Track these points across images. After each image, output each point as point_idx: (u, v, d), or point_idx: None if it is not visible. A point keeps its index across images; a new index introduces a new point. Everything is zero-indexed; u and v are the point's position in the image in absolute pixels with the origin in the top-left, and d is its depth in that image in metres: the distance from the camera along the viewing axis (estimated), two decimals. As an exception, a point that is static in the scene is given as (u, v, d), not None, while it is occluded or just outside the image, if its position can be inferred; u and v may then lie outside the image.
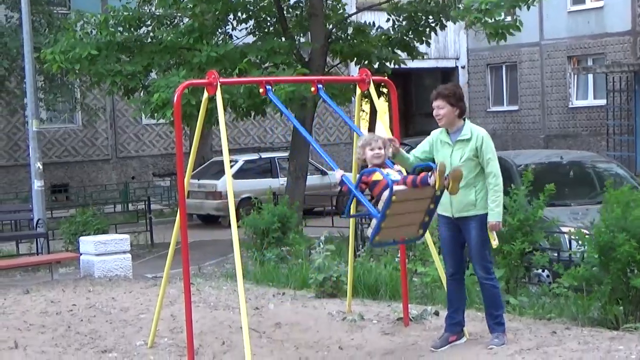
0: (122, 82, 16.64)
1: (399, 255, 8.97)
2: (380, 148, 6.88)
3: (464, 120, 7.29)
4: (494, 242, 7.18)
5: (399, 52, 18.83)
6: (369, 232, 6.77)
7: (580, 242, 8.61)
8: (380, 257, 11.35)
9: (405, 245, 8.45)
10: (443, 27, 18.53)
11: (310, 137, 8.13)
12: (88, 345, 8.11)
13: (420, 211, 6.85)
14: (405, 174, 6.87)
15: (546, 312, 8.56)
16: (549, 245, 9.63)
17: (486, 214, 7.12)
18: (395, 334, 7.98)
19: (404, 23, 18.45)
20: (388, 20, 18.77)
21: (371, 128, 34.49)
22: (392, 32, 18.57)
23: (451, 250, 7.40)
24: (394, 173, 6.79)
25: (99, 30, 16.46)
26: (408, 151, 7.61)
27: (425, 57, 20.04)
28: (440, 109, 7.19)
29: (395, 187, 6.48)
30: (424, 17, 18.17)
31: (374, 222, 6.69)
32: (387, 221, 6.59)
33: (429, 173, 6.56)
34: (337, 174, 6.97)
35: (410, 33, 18.44)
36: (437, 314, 8.43)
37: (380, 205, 6.55)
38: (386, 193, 6.49)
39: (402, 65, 19.40)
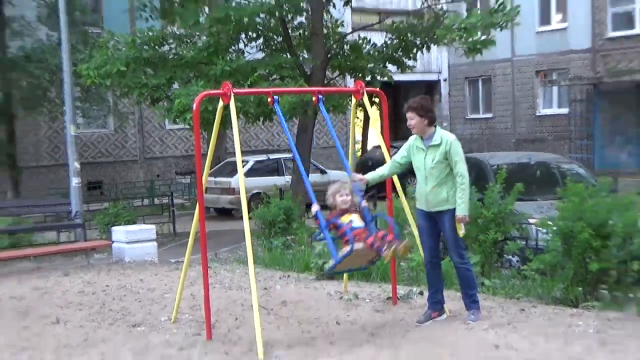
0: (148, 93, 16.66)
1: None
2: (347, 195, 7.01)
3: (435, 127, 7.32)
4: (461, 232, 7.22)
5: (390, 65, 18.86)
6: (327, 266, 7.07)
7: (545, 231, 8.64)
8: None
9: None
10: (429, 48, 18.53)
11: (294, 150, 8.01)
12: (120, 320, 8.14)
13: (371, 256, 6.95)
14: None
15: (516, 292, 8.60)
16: (519, 235, 9.64)
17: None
18: (385, 311, 8.02)
19: (395, 42, 18.47)
20: (381, 42, 18.76)
21: (365, 133, 34.63)
22: (384, 49, 18.59)
23: (427, 239, 7.45)
24: (357, 220, 6.87)
25: (128, 48, 16.49)
26: (394, 153, 7.64)
27: (412, 70, 20.07)
28: (411, 119, 7.25)
29: (355, 245, 6.56)
30: (412, 38, 18.19)
31: (332, 262, 6.88)
32: (342, 264, 6.81)
33: (385, 247, 6.61)
34: (313, 208, 6.96)
35: (400, 50, 18.46)
36: (421, 293, 8.46)
37: (341, 253, 6.67)
38: (347, 249, 6.60)
39: (391, 80, 19.41)
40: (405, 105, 7.38)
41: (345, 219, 6.87)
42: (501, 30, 15.78)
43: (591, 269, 7.90)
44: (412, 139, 7.43)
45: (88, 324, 7.98)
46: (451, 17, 15.49)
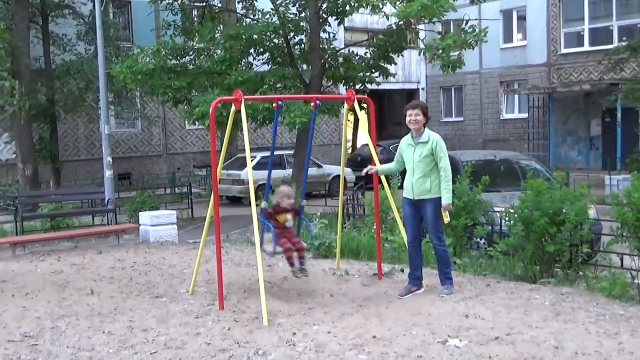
0: (171, 93, 16.60)
1: (374, 227, 8.96)
2: (291, 200, 7.56)
3: (425, 128, 7.31)
4: (446, 219, 7.20)
5: (375, 73, 18.93)
6: (269, 250, 7.42)
7: (508, 218, 8.62)
8: (361, 229, 11.34)
9: (379, 219, 8.51)
10: (402, 49, 18.62)
11: (272, 155, 8.67)
12: (145, 292, 8.09)
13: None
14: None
15: (483, 270, 8.57)
16: (485, 221, 9.61)
17: (439, 198, 7.16)
18: (372, 285, 7.99)
19: (377, 52, 18.55)
20: (366, 53, 18.89)
21: (355, 133, 34.56)
22: (369, 57, 18.67)
23: (411, 223, 7.40)
24: (290, 220, 7.54)
25: (154, 56, 16.43)
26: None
27: (394, 76, 20.27)
28: (417, 116, 7.25)
29: (277, 248, 7.33)
30: (390, 48, 18.30)
31: (270, 247, 7.43)
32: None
33: (292, 262, 7.44)
34: (262, 204, 7.45)
35: (381, 59, 18.53)
36: (402, 270, 8.43)
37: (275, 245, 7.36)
38: (277, 249, 7.37)
39: (378, 85, 19.54)
40: (415, 102, 7.50)
41: (281, 218, 7.46)
42: (472, 49, 15.85)
43: (548, 250, 7.88)
44: (403, 138, 7.46)
45: (118, 295, 7.93)
46: (430, 40, 15.61)
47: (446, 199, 7.11)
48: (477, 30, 15.66)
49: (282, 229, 7.48)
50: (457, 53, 15.75)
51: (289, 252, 7.41)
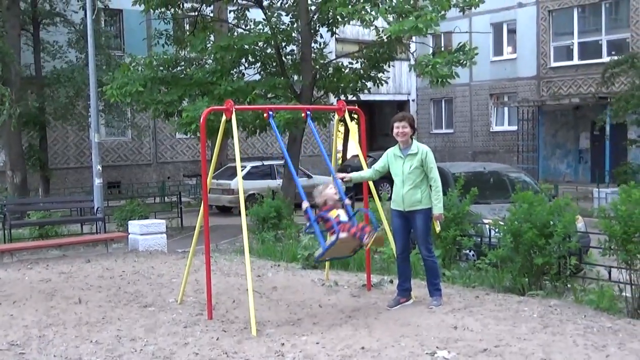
0: (162, 108, 16.59)
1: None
2: (335, 193, 6.99)
3: (413, 139, 7.34)
4: (438, 229, 7.24)
5: (366, 83, 19.01)
6: (316, 253, 6.95)
7: (497, 230, 8.64)
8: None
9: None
10: (392, 59, 18.69)
11: (290, 162, 8.17)
12: (133, 301, 8.06)
13: (354, 244, 6.88)
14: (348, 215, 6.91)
15: (471, 281, 8.58)
16: (474, 233, 9.64)
17: (429, 208, 7.19)
18: (361, 296, 7.98)
19: (367, 63, 18.63)
20: (356, 63, 18.97)
21: (345, 144, 34.61)
22: (360, 67, 18.73)
23: (400, 235, 7.41)
24: (342, 214, 6.85)
25: (146, 68, 16.42)
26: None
27: (385, 85, 20.34)
28: (405, 128, 7.26)
29: (341, 235, 6.53)
30: (380, 58, 18.38)
31: (320, 250, 6.83)
32: (329, 251, 6.76)
33: (366, 234, 6.60)
34: (303, 205, 6.89)
35: (372, 70, 18.61)
36: (391, 282, 8.43)
37: (329, 241, 6.63)
38: (333, 237, 6.57)
39: (369, 92, 19.59)
40: (402, 114, 7.47)
41: (333, 214, 6.81)
42: (462, 67, 15.96)
43: (536, 263, 7.90)
44: (390, 150, 7.45)
45: (106, 304, 7.90)
46: (421, 57, 15.73)
47: (438, 209, 7.14)
48: (467, 47, 15.77)
49: (339, 224, 6.71)
50: (445, 68, 15.84)
51: (363, 228, 6.67)
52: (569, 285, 8.10)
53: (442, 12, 14.82)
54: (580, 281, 8.31)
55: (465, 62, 15.47)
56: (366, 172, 7.65)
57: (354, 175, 7.65)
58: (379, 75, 18.76)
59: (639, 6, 25.49)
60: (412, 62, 16.92)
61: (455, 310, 7.06)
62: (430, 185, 7.18)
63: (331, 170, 7.81)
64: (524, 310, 7.03)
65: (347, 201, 7.13)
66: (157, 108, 16.49)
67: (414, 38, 18.89)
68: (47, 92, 21.61)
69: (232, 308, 7.49)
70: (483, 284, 8.47)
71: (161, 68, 16.79)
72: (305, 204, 6.85)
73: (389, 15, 15.13)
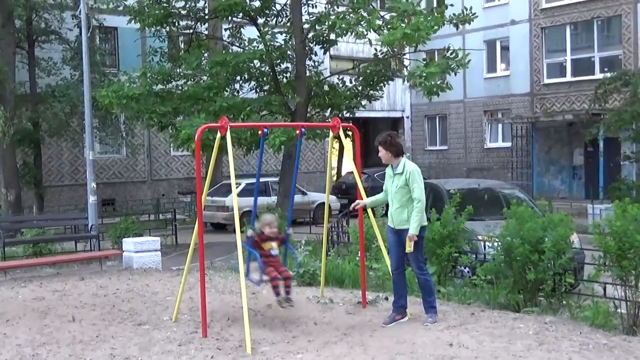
0: (157, 118, 16.56)
1: (359, 255, 8.96)
2: (275, 228, 7.53)
3: (402, 157, 7.34)
4: (409, 249, 7.12)
5: (361, 101, 19.09)
6: (256, 278, 7.51)
7: (491, 245, 8.64)
8: (345, 256, 11.32)
9: (364, 247, 8.53)
10: (390, 79, 18.81)
11: (258, 181, 8.65)
12: (128, 319, 8.01)
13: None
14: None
15: (467, 298, 8.57)
16: (469, 249, 9.63)
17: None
18: (356, 314, 7.96)
19: (363, 80, 18.72)
20: (351, 80, 19.10)
21: (340, 160, 34.64)
22: (354, 85, 18.82)
23: (395, 251, 7.42)
24: (275, 248, 7.54)
25: (140, 79, 16.44)
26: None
27: (380, 102, 20.50)
28: (380, 152, 7.39)
29: (263, 277, 7.38)
30: (376, 77, 18.46)
31: (258, 276, 7.47)
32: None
33: (278, 291, 7.40)
34: (248, 232, 7.49)
35: (367, 88, 18.69)
36: (387, 299, 8.41)
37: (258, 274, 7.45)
38: (258, 275, 7.43)
39: (362, 112, 19.72)
40: (377, 139, 7.50)
41: (267, 246, 7.44)
42: (455, 74, 16.04)
43: (529, 278, 7.89)
44: (387, 168, 7.48)
45: (100, 322, 7.85)
46: (413, 67, 15.83)
47: (413, 229, 7.08)
48: (460, 55, 15.86)
49: (268, 257, 7.46)
50: (439, 81, 15.93)
51: (275, 281, 7.39)
52: (564, 302, 8.09)
53: (435, 27, 14.95)
54: (576, 298, 8.31)
55: (456, 67, 15.57)
56: (380, 195, 7.66)
57: (368, 201, 7.71)
58: (372, 92, 18.88)
59: (631, 23, 25.72)
60: (405, 73, 17.01)
61: (451, 327, 7.05)
62: (413, 205, 7.14)
63: (289, 222, 8.23)
64: (519, 327, 7.02)
65: (290, 231, 7.88)
66: (151, 117, 16.46)
67: (408, 55, 19.01)
68: (41, 108, 21.60)
69: (226, 326, 7.45)
70: (478, 300, 8.45)
71: (156, 82, 16.81)
72: (250, 232, 7.45)
73: (384, 30, 15.28)
